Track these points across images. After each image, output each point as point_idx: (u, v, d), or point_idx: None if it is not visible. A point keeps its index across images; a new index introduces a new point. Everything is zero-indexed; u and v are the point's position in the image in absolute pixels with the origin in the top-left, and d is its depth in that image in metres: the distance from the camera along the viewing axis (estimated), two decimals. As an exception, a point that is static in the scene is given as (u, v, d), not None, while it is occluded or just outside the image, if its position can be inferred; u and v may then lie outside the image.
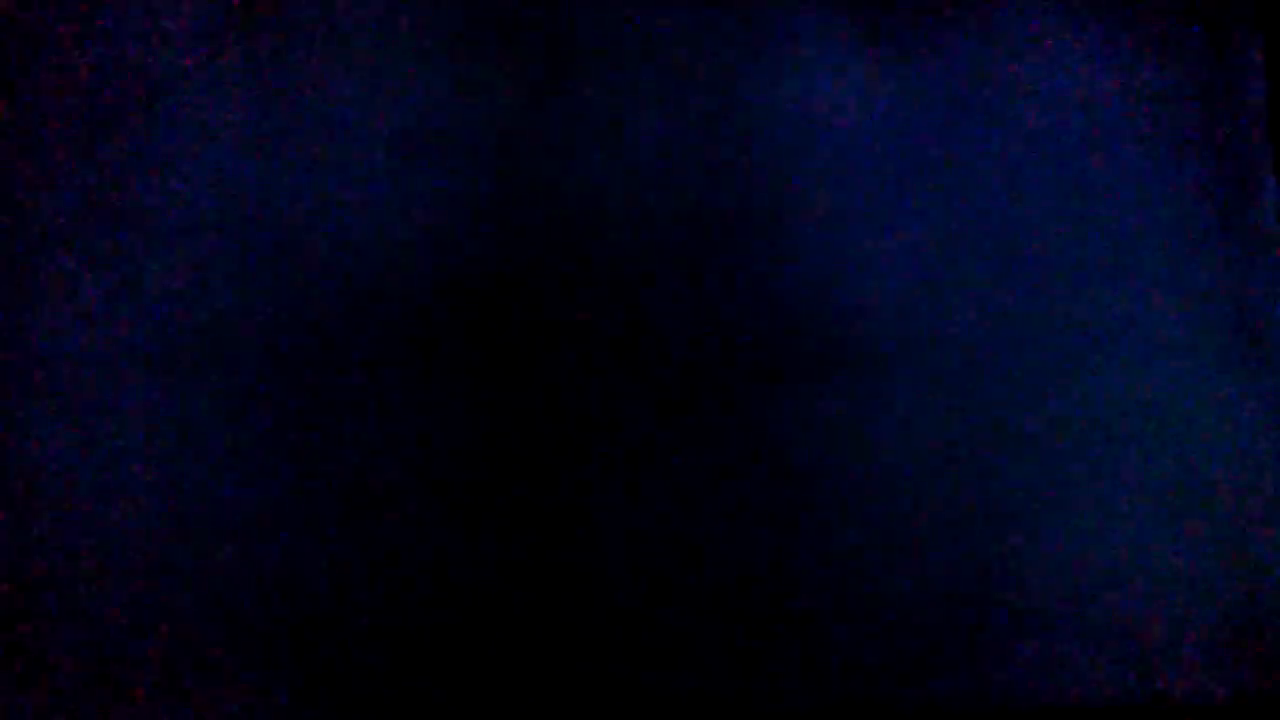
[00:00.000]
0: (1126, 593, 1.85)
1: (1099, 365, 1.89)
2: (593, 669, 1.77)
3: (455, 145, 1.85)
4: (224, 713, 1.71)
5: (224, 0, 1.84)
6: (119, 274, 1.77)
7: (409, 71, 1.86)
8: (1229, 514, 1.88)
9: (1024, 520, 1.85)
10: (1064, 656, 1.82)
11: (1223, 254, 1.93)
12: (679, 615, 1.79)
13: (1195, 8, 1.98)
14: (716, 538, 1.81)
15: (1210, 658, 1.84)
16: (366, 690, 1.74)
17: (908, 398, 1.86)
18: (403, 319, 1.81)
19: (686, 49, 1.91)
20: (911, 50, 1.94)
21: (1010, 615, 1.82)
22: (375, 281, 1.81)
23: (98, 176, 1.79)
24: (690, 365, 1.84)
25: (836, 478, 1.83)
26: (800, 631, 1.80)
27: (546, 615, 1.77)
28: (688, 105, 1.90)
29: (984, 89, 1.94)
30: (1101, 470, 1.87)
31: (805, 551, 1.82)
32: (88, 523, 1.73)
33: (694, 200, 1.88)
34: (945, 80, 1.94)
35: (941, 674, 1.81)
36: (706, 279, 1.86)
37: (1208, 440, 1.89)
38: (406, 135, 1.85)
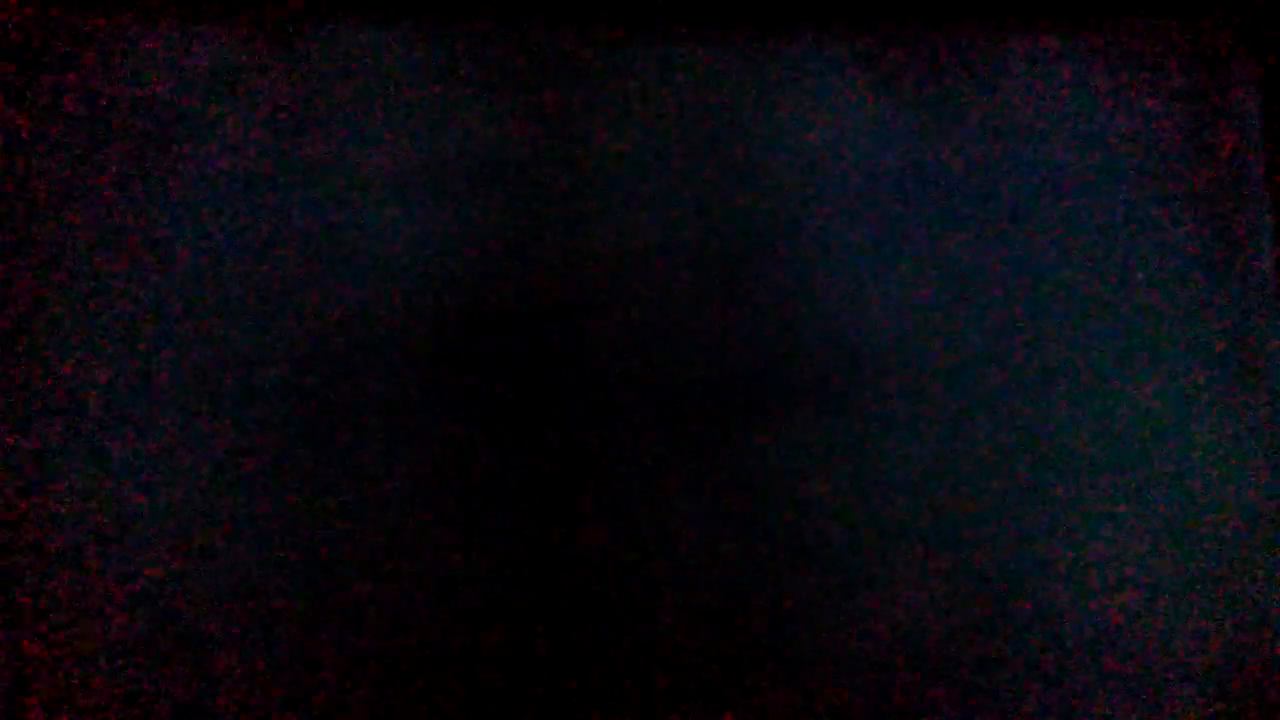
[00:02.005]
0: (1132, 621, 1.84)
1: (1103, 396, 1.88)
2: (590, 689, 1.77)
3: (470, 180, 1.86)
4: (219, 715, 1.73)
5: (245, 36, 1.86)
6: (138, 302, 1.80)
7: (426, 107, 1.88)
8: (1235, 540, 1.87)
9: (1027, 546, 1.84)
10: (1069, 680, 1.82)
11: (1222, 285, 1.93)
12: (676, 638, 1.79)
13: (1197, 51, 1.99)
14: (718, 563, 1.81)
15: (1212, 682, 1.83)
16: (376, 704, 1.75)
17: (912, 426, 1.86)
18: (419, 349, 1.82)
19: (697, 87, 1.92)
20: (917, 87, 1.95)
21: (1012, 639, 1.82)
22: (392, 313, 1.82)
23: (119, 207, 1.81)
24: (697, 393, 1.85)
25: (840, 504, 1.84)
26: (800, 657, 1.80)
27: (553, 636, 1.78)
28: (698, 141, 1.90)
29: (988, 125, 1.94)
30: (1107, 499, 1.86)
31: (806, 577, 1.82)
32: (104, 545, 1.74)
33: (703, 233, 1.88)
34: (950, 117, 1.94)
35: (944, 695, 1.81)
36: (715, 309, 1.87)
37: (1212, 468, 1.87)
38: (422, 170, 1.86)
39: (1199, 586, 1.85)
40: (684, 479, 1.83)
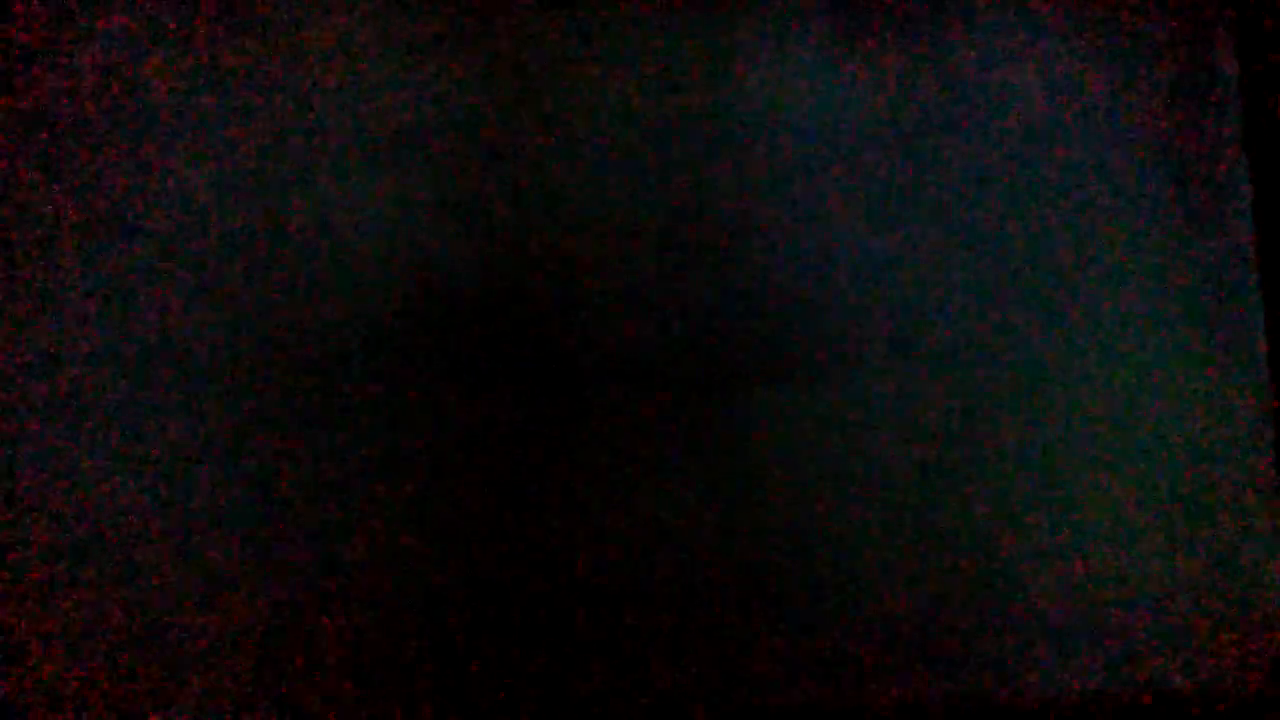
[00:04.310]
0: (1122, 590, 1.84)
1: (1090, 366, 1.89)
2: (586, 671, 1.77)
3: (443, 150, 1.85)
4: (219, 714, 1.72)
5: (216, 9, 1.84)
6: (112, 280, 1.77)
7: (400, 77, 1.86)
8: (1222, 512, 1.88)
9: (1017, 520, 1.85)
10: (1059, 654, 1.83)
11: (1205, 254, 1.93)
12: (672, 617, 1.79)
13: (1175, 13, 1.99)
14: (710, 539, 1.81)
15: (1203, 652, 1.85)
16: (365, 694, 1.75)
17: (897, 398, 1.86)
18: (396, 322, 1.81)
19: (673, 51, 1.90)
20: (897, 51, 1.94)
21: (1005, 614, 1.83)
22: (368, 286, 1.81)
23: (91, 184, 1.79)
24: (680, 367, 1.84)
25: (829, 478, 1.83)
26: (794, 631, 1.80)
27: (541, 618, 1.77)
28: (674, 107, 1.89)
29: (970, 91, 1.93)
30: (1094, 470, 1.86)
31: (800, 552, 1.82)
32: (83, 525, 1.73)
33: (681, 202, 1.87)
34: (931, 82, 1.93)
35: (935, 674, 1.81)
36: (695, 280, 1.86)
37: (1199, 439, 1.89)
38: (397, 141, 1.84)
39: (1194, 570, 1.86)
40: (668, 456, 1.82)
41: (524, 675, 1.76)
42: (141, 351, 1.77)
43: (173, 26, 1.83)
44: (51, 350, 1.75)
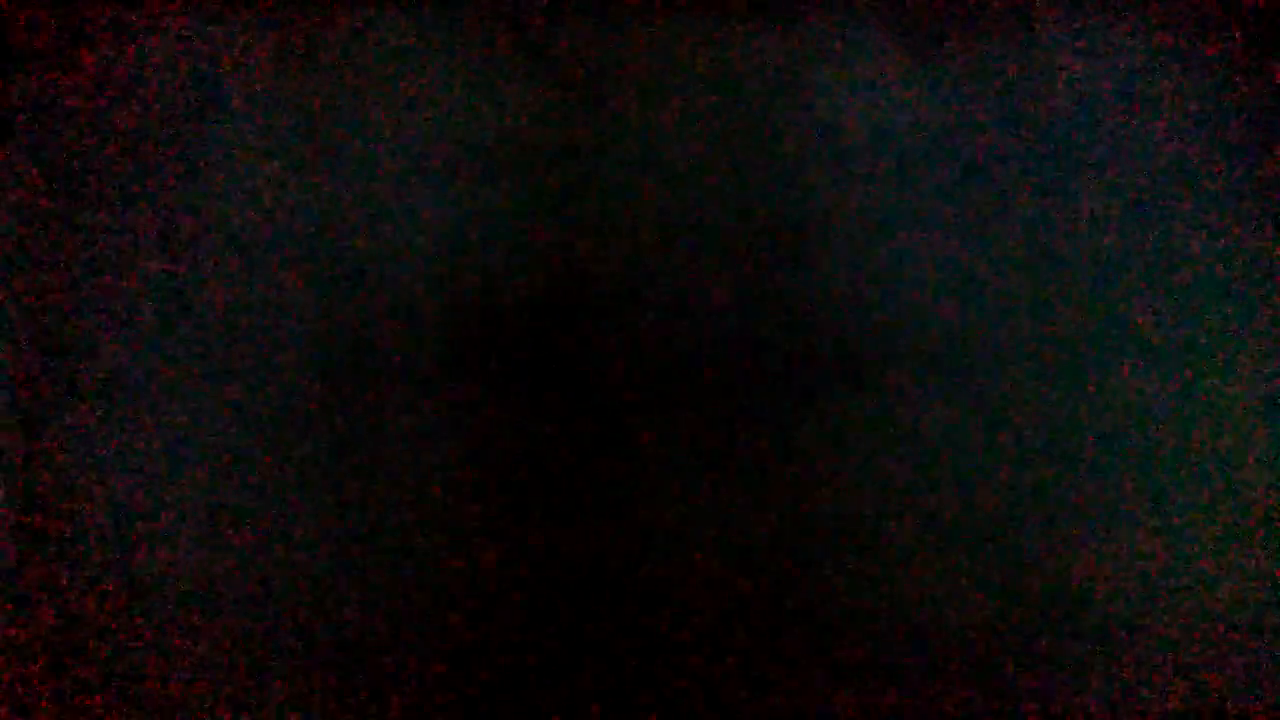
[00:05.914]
0: (1164, 600, 1.83)
1: (1137, 372, 1.87)
2: (622, 676, 1.78)
3: (492, 164, 1.86)
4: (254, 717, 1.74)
5: (260, 27, 1.85)
6: (168, 292, 1.80)
7: (447, 93, 1.86)
8: (1269, 519, 1.86)
9: (1056, 528, 1.83)
10: (1098, 665, 1.81)
11: (1264, 257, 1.91)
12: (709, 623, 1.79)
13: (1254, 34, 1.95)
14: (747, 547, 1.81)
15: (1253, 668, 1.83)
16: (398, 699, 1.76)
17: (941, 406, 1.85)
18: (443, 333, 1.82)
19: (722, 64, 1.89)
20: (947, 59, 1.91)
21: (1042, 623, 1.81)
22: (417, 298, 1.82)
23: (147, 199, 1.82)
24: (725, 375, 1.84)
25: (869, 486, 1.83)
26: (834, 641, 1.80)
27: (580, 623, 1.78)
28: (722, 120, 1.88)
29: (1022, 98, 1.91)
30: (1138, 477, 1.85)
31: (836, 560, 1.82)
32: (133, 530, 1.76)
33: (729, 214, 1.87)
34: (981, 89, 1.91)
35: (973, 682, 1.81)
36: (742, 290, 1.85)
37: (1247, 443, 1.86)
38: (446, 155, 1.85)
39: (1235, 570, 1.84)
40: (715, 461, 1.82)
41: (544, 680, 1.77)
42: (198, 356, 1.80)
43: (241, 46, 1.84)
44: (114, 362, 1.79)
